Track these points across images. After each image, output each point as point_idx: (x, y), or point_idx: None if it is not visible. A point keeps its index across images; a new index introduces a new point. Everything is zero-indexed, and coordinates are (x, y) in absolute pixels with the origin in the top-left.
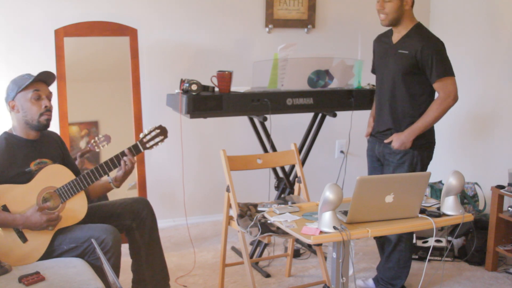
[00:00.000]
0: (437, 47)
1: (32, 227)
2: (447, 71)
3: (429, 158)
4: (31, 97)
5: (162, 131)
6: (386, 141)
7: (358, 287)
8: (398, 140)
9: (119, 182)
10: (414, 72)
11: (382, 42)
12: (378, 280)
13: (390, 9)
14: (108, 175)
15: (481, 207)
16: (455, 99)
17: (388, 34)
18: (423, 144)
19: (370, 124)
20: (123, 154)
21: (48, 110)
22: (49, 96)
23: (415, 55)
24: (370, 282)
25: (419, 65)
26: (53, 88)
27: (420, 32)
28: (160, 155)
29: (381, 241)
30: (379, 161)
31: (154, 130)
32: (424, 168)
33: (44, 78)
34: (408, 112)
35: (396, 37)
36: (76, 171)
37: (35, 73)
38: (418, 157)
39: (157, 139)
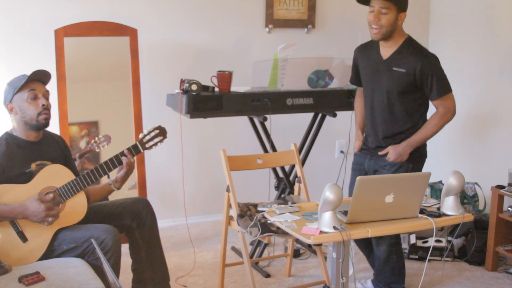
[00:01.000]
0: (436, 64)
1: (31, 216)
2: (447, 88)
3: (420, 170)
4: (27, 97)
5: (162, 132)
6: (381, 153)
7: None
8: (395, 152)
9: (119, 183)
10: (410, 90)
11: (369, 56)
12: (377, 283)
13: (386, 21)
14: (109, 177)
15: (481, 207)
16: (454, 113)
17: (374, 46)
18: (417, 157)
19: (360, 137)
20: (122, 154)
21: (46, 108)
22: (45, 94)
23: (413, 73)
24: (369, 284)
25: (417, 83)
26: (53, 88)
27: (413, 47)
28: (160, 155)
29: (367, 251)
30: (366, 175)
31: (153, 130)
32: None
33: (39, 77)
34: (402, 129)
35: (386, 52)
36: (76, 174)
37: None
38: (413, 170)
39: (156, 140)
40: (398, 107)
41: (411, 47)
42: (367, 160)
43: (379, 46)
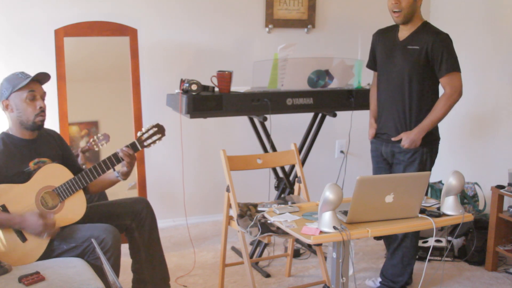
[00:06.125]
0: (448, 41)
1: (27, 228)
2: (455, 66)
3: (436, 153)
4: (26, 98)
5: (160, 129)
6: (394, 139)
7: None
8: (408, 139)
9: (125, 176)
10: (423, 68)
11: (386, 39)
12: (381, 278)
13: (406, 3)
14: (114, 170)
15: (481, 207)
16: (461, 94)
17: (392, 30)
18: (431, 141)
19: (373, 125)
20: (121, 157)
21: (43, 111)
22: (43, 96)
23: (426, 48)
24: (378, 282)
25: (429, 58)
26: (53, 88)
27: (428, 27)
28: (160, 155)
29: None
30: (385, 161)
31: (151, 128)
32: (433, 163)
33: (39, 78)
34: (415, 109)
35: (403, 34)
36: (78, 168)
37: (32, 72)
38: (428, 154)
39: (154, 137)
40: (412, 85)
41: (426, 28)
42: (384, 147)
43: (398, 30)
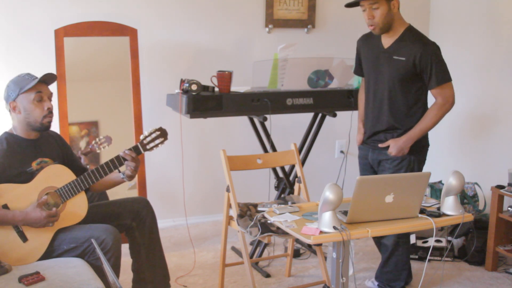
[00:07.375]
0: (436, 52)
1: (32, 223)
2: (446, 77)
3: (424, 161)
4: (33, 99)
5: (162, 133)
6: (381, 145)
7: None
8: (396, 147)
9: (130, 177)
10: (411, 78)
11: (370, 45)
12: (378, 282)
13: (379, 16)
14: (119, 171)
15: (481, 207)
16: (453, 103)
17: (376, 36)
18: (419, 148)
19: (361, 131)
20: (123, 157)
21: (50, 112)
22: (50, 96)
23: (413, 61)
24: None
25: (417, 71)
26: (53, 88)
27: (414, 36)
28: (160, 155)
29: (379, 243)
30: (372, 168)
31: (154, 132)
32: (420, 171)
33: (46, 79)
34: (403, 119)
35: (387, 42)
36: (80, 167)
37: (35, 73)
38: (415, 162)
39: (157, 141)
40: (399, 96)
41: (411, 36)
42: (370, 153)
43: (381, 36)
